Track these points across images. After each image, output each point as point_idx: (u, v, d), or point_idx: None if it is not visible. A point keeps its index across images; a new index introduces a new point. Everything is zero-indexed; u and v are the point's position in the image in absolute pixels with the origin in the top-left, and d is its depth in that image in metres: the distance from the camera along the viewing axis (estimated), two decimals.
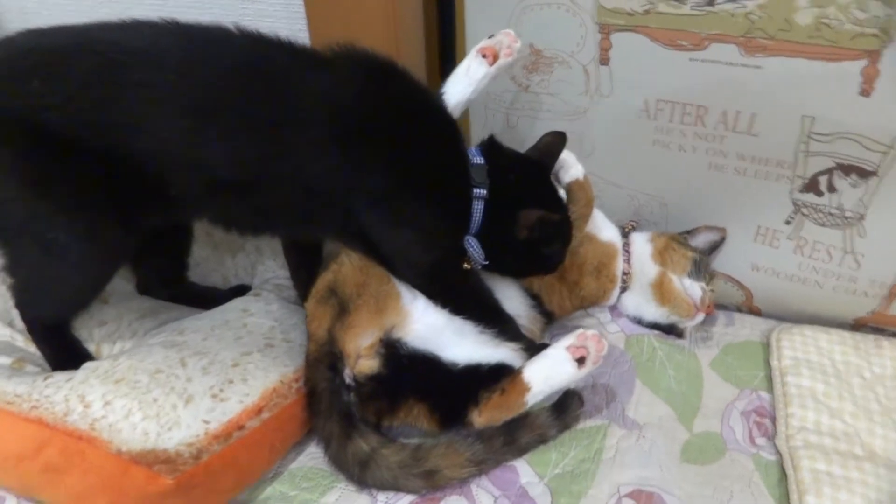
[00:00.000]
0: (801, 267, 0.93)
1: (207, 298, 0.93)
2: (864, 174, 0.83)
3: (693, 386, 0.87)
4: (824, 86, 0.78)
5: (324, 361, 0.76)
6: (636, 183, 0.98)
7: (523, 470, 0.76)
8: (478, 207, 0.75)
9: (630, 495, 0.73)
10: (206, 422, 0.69)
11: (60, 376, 0.73)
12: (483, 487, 0.74)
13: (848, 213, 0.86)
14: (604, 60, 0.87)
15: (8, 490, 0.73)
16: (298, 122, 0.70)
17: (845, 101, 0.78)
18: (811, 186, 0.87)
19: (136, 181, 0.70)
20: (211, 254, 1.01)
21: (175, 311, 0.91)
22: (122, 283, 0.94)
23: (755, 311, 1.01)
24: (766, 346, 0.93)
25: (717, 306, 1.01)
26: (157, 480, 0.65)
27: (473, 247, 0.77)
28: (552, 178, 0.87)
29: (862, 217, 0.86)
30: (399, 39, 0.91)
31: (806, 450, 0.78)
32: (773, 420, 0.83)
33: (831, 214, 0.87)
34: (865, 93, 0.77)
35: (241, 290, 0.96)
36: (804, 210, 0.89)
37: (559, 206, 0.81)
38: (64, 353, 0.81)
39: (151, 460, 0.66)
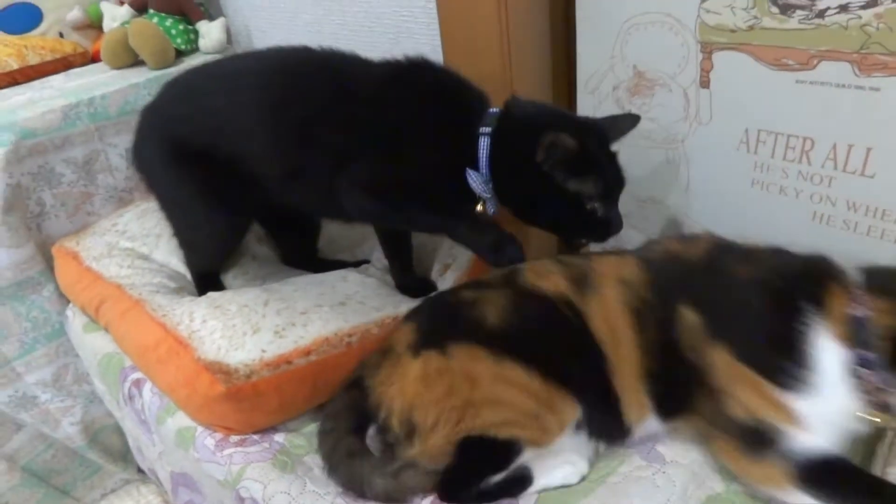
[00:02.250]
0: None
1: (329, 268, 0.99)
2: None
3: None
4: None
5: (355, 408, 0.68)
6: (733, 230, 0.79)
7: None
8: (483, 143, 0.71)
9: None
10: (263, 351, 0.74)
11: (188, 298, 0.84)
12: None
13: None
14: (704, 83, 0.74)
15: (141, 373, 0.86)
16: (349, 108, 0.75)
17: None
18: None
19: (241, 177, 0.82)
20: (345, 235, 1.08)
21: (299, 274, 0.98)
22: (271, 250, 1.05)
23: None
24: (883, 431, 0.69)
25: None
26: (215, 386, 0.71)
27: (474, 180, 0.72)
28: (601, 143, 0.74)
29: None
30: (513, 63, 0.88)
31: None
32: None
33: None
34: None
35: (361, 263, 1.01)
36: None
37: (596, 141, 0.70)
38: (207, 290, 0.93)
39: (216, 370, 0.72)
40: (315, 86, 0.77)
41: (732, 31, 0.69)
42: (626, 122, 0.74)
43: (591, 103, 0.89)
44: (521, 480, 0.63)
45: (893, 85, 0.60)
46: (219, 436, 0.75)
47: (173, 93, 0.89)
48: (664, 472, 0.65)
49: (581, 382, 0.63)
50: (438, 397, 0.60)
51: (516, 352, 0.62)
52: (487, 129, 0.72)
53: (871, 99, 0.62)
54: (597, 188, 0.70)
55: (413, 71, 0.76)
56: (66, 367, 1.15)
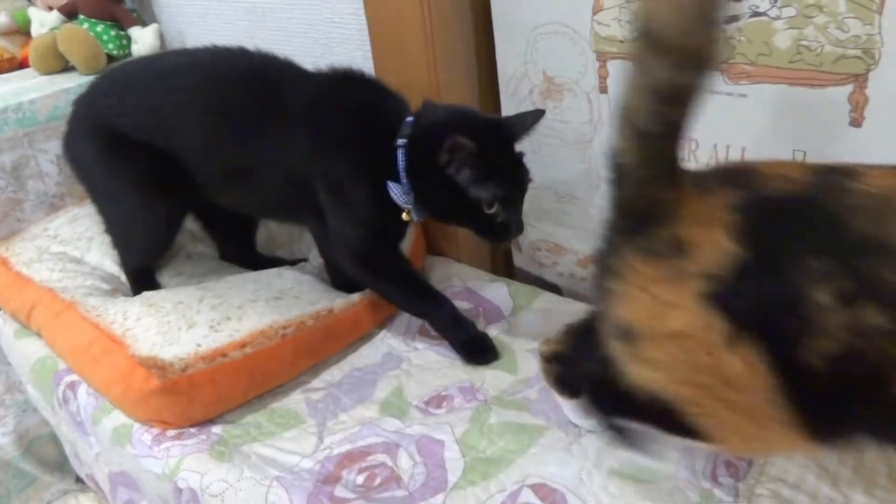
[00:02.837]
0: None
1: (267, 264, 1.01)
2: None
3: None
4: (812, 115, 0.65)
5: None
6: None
7: (451, 446, 0.72)
8: (399, 154, 0.74)
9: (532, 486, 0.65)
10: (198, 345, 0.76)
11: (122, 298, 0.85)
12: (408, 451, 0.72)
13: None
14: (603, 89, 0.81)
15: (76, 375, 0.86)
16: (284, 121, 0.78)
17: (836, 133, 0.64)
18: None
19: (176, 171, 0.83)
20: (284, 232, 1.10)
21: (238, 272, 1.00)
22: (207, 248, 1.06)
23: None
24: None
25: None
26: (150, 380, 0.73)
27: (395, 192, 0.76)
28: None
29: None
30: (439, 66, 0.93)
31: (771, 500, 0.63)
32: (751, 465, 0.67)
33: None
34: (856, 122, 0.63)
35: (298, 262, 1.03)
36: None
37: (497, 145, 0.73)
38: (142, 289, 0.93)
39: (150, 364, 0.74)
40: (251, 95, 0.80)
41: (621, 41, 0.76)
42: (531, 118, 0.76)
43: (513, 105, 0.95)
44: None
45: (757, 91, 0.68)
46: (156, 431, 0.77)
47: (108, 85, 0.89)
48: (580, 443, 0.71)
49: None
50: (685, 363, 0.43)
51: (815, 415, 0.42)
52: (403, 141, 0.75)
53: (740, 104, 0.70)
54: (496, 195, 0.73)
55: (338, 87, 0.80)
56: None
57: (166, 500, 0.76)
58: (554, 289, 1.03)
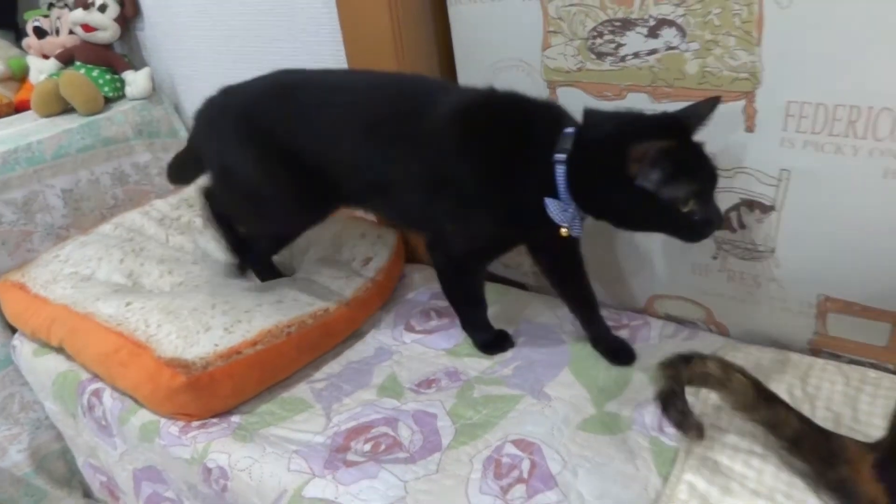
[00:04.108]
0: (738, 290, 0.90)
1: (275, 275, 1.07)
2: (765, 209, 0.81)
3: (619, 381, 0.87)
4: (717, 124, 0.78)
5: None
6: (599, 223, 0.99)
7: (443, 417, 0.82)
8: (559, 170, 0.70)
9: (514, 442, 0.76)
10: (216, 345, 0.85)
11: (137, 308, 0.93)
12: (406, 423, 0.81)
13: (761, 248, 0.84)
14: None
15: (102, 380, 0.93)
16: (424, 138, 0.78)
17: (736, 137, 0.78)
18: (725, 224, 0.85)
19: (322, 179, 0.85)
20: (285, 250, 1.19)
21: (237, 281, 1.07)
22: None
23: (722, 330, 0.95)
24: None
25: (683, 322, 0.97)
26: (176, 378, 0.81)
27: (553, 209, 0.71)
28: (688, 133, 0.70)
29: (773, 250, 0.83)
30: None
31: (703, 448, 0.74)
32: None
33: (747, 249, 0.85)
34: (750, 129, 0.77)
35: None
36: (725, 246, 0.87)
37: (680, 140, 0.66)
38: (263, 272, 1.04)
39: (175, 364, 0.82)
40: (397, 113, 0.80)
41: (567, 71, 0.89)
42: (705, 107, 0.70)
43: None
44: None
45: (676, 107, 0.79)
46: (181, 423, 0.85)
47: (268, 91, 0.89)
48: (550, 406, 0.82)
49: None
50: None
51: None
52: (562, 156, 0.70)
53: None
54: (691, 191, 0.67)
55: (481, 106, 0.78)
56: (11, 397, 1.18)
57: (192, 485, 0.84)
58: (520, 286, 1.15)
